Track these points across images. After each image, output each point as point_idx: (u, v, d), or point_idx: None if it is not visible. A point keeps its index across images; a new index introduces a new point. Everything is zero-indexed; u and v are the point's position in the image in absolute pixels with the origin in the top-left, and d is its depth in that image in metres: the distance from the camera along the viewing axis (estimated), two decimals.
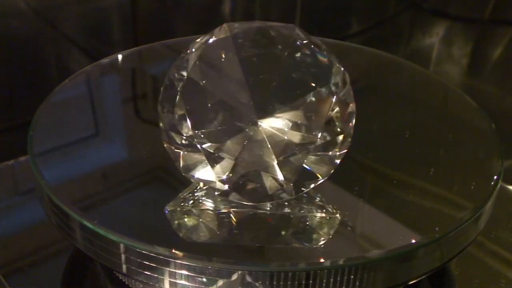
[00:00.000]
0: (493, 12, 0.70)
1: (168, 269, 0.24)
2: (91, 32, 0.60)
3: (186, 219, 0.26)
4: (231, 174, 0.25)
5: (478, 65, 0.65)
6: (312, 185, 0.26)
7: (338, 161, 0.26)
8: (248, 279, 0.23)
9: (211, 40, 0.25)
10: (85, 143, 0.31)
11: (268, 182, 0.25)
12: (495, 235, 0.34)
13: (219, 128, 0.24)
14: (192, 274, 0.24)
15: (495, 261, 0.33)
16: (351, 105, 0.25)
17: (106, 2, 0.61)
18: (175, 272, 0.24)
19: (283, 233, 0.25)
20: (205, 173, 0.25)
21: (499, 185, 0.28)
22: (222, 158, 0.24)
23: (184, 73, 0.25)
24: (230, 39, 0.25)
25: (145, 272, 0.24)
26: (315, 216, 0.26)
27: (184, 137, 0.25)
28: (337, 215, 0.26)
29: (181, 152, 0.25)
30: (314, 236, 0.25)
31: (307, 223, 0.26)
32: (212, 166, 0.25)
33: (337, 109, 0.25)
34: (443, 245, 0.25)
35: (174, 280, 0.24)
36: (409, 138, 0.32)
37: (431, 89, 0.36)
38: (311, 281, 0.23)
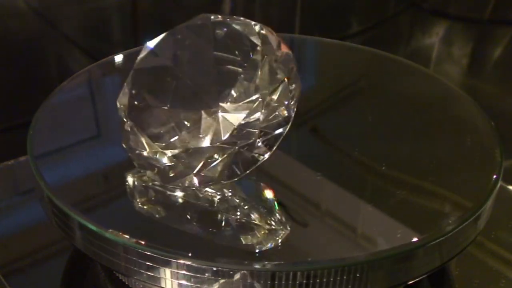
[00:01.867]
0: (493, 12, 0.70)
1: (168, 269, 0.24)
2: (91, 32, 0.60)
3: (136, 189, 0.27)
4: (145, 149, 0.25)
5: (478, 65, 0.65)
6: (227, 181, 0.26)
7: (261, 161, 0.26)
8: (249, 279, 0.23)
9: (187, 24, 0.26)
10: (85, 143, 0.31)
11: (181, 165, 0.25)
12: (495, 235, 0.34)
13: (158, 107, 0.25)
14: (193, 274, 0.24)
15: (495, 261, 0.33)
16: (290, 108, 0.26)
17: (106, 2, 0.61)
18: (175, 272, 0.24)
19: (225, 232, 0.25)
20: (130, 143, 0.26)
21: (499, 185, 0.28)
22: (144, 135, 0.25)
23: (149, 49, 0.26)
24: (207, 26, 0.25)
25: (145, 272, 0.24)
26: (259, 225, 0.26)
27: (123, 106, 0.26)
28: (282, 229, 0.26)
29: (123, 123, 0.26)
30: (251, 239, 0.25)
31: (250, 229, 0.26)
32: (133, 140, 0.26)
33: (280, 110, 0.25)
34: (443, 245, 0.25)
35: (174, 280, 0.24)
36: (409, 137, 0.32)
37: (431, 89, 0.36)
38: (310, 281, 0.23)
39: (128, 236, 0.24)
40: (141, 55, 0.26)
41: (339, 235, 0.26)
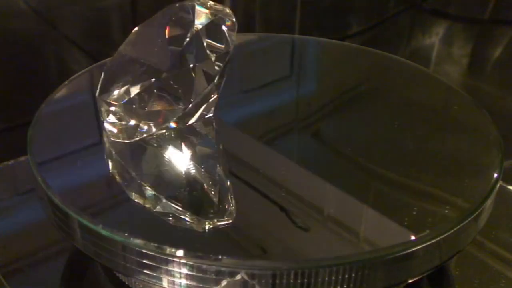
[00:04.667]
0: (493, 12, 0.70)
1: (168, 268, 0.24)
2: (91, 32, 0.61)
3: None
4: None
5: (478, 65, 0.65)
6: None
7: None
8: (249, 278, 0.23)
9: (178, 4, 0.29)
10: (85, 143, 0.31)
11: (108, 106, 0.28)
12: (495, 235, 0.34)
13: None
14: (193, 274, 0.24)
15: (495, 261, 0.33)
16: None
17: (106, 2, 0.62)
18: (176, 272, 0.24)
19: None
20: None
21: (498, 184, 0.28)
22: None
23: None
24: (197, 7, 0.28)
25: (145, 272, 0.24)
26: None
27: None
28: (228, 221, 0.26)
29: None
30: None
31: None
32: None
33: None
34: (443, 244, 0.25)
35: (175, 280, 0.24)
36: (409, 137, 0.32)
37: (431, 89, 0.36)
38: (311, 281, 0.23)
39: (128, 235, 0.24)
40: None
41: (340, 235, 0.26)
